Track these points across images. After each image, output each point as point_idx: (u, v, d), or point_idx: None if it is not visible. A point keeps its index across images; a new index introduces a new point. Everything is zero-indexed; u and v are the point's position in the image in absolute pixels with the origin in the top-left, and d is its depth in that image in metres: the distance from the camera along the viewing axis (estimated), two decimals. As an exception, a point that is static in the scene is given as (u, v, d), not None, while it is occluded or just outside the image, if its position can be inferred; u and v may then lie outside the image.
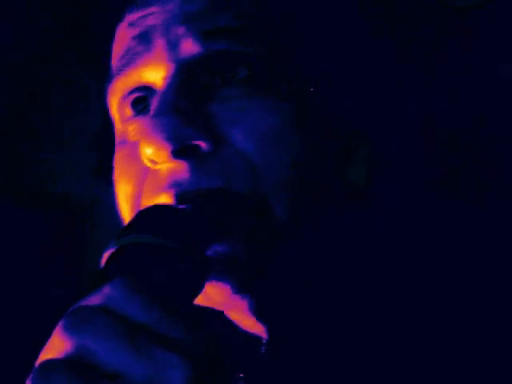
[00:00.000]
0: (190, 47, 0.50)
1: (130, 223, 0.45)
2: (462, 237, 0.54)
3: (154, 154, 0.47)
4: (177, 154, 0.47)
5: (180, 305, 0.37)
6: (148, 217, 0.45)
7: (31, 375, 0.33)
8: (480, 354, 0.47)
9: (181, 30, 0.50)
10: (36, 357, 0.36)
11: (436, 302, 0.50)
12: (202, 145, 0.48)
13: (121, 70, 0.54)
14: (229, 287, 0.48)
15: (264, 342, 0.52)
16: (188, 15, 0.51)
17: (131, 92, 0.54)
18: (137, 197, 0.52)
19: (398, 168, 0.58)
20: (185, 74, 0.50)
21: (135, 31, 0.53)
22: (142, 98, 0.54)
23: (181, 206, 0.47)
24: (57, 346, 0.33)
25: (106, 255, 0.41)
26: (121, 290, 0.35)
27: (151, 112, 0.49)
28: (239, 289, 0.48)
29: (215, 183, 0.47)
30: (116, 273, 0.40)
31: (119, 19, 0.56)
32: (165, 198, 0.48)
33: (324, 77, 0.53)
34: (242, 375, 0.52)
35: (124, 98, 0.55)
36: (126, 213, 0.54)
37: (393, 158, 0.57)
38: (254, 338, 0.53)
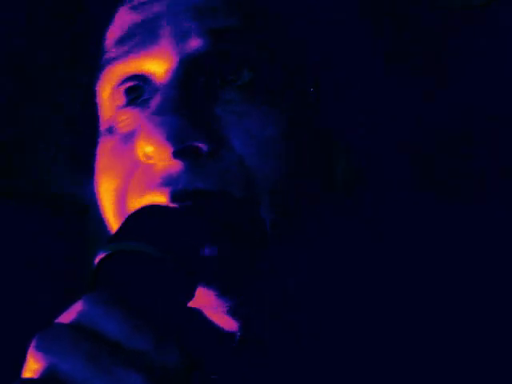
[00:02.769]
0: (195, 43, 0.49)
1: (124, 226, 0.44)
2: (449, 234, 0.54)
3: (154, 153, 0.47)
4: (177, 154, 0.47)
5: (155, 317, 0.37)
6: (141, 221, 0.44)
7: None
8: (474, 351, 0.47)
9: (188, 24, 0.50)
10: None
11: (417, 297, 0.51)
12: (203, 147, 0.48)
13: (120, 56, 0.52)
14: (214, 291, 0.48)
15: (239, 342, 0.52)
16: (196, 9, 0.50)
17: (126, 80, 0.53)
18: (122, 192, 0.51)
19: (383, 170, 0.59)
20: (188, 70, 0.49)
21: (138, 17, 0.52)
22: (135, 87, 0.53)
23: (175, 206, 0.47)
24: (30, 366, 0.34)
25: (96, 260, 0.41)
26: (93, 305, 0.35)
27: (153, 107, 0.49)
28: (224, 292, 0.48)
29: (211, 186, 0.47)
30: (103, 281, 0.40)
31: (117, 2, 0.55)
32: (158, 196, 0.48)
33: (323, 86, 0.53)
34: (215, 377, 0.52)
35: (118, 85, 0.53)
36: (109, 208, 0.53)
37: (379, 160, 0.58)
38: (229, 339, 0.53)
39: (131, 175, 0.50)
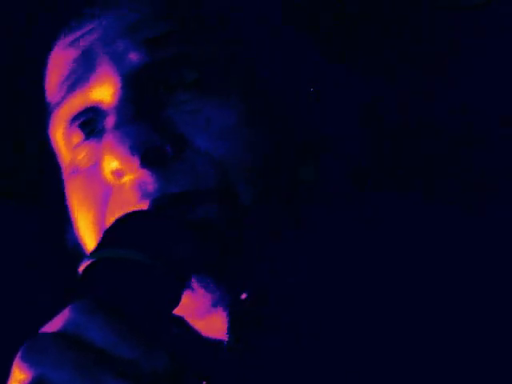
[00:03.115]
0: (134, 58, 0.50)
1: (109, 233, 0.44)
2: (448, 234, 0.54)
3: (122, 165, 0.47)
4: (144, 161, 0.47)
5: (142, 324, 0.37)
6: (125, 228, 0.44)
7: None
8: (455, 352, 0.46)
9: (123, 43, 0.50)
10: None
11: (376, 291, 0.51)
12: (168, 148, 0.48)
13: (66, 95, 0.53)
14: (210, 285, 0.48)
15: (226, 348, 0.52)
16: (128, 27, 0.51)
17: (76, 117, 0.53)
18: (101, 221, 0.51)
19: (383, 169, 0.59)
20: (132, 85, 0.50)
21: (76, 52, 0.52)
22: (88, 122, 0.53)
23: (156, 212, 0.47)
24: (16, 377, 0.34)
25: (82, 267, 0.41)
26: (79, 314, 0.35)
27: (108, 129, 0.49)
28: (219, 285, 0.49)
29: (184, 186, 0.48)
30: (88, 288, 0.39)
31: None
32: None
33: (270, 74, 0.54)
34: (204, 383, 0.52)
35: (70, 124, 0.54)
36: (91, 240, 0.53)
37: (379, 160, 0.58)
38: (216, 344, 0.53)
39: (106, 201, 0.51)
